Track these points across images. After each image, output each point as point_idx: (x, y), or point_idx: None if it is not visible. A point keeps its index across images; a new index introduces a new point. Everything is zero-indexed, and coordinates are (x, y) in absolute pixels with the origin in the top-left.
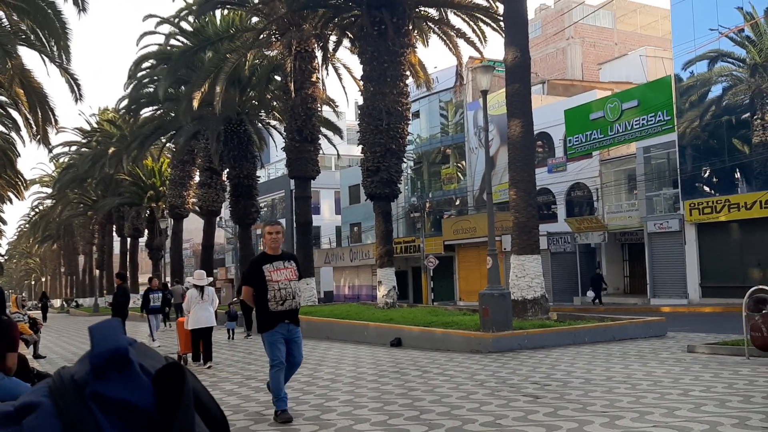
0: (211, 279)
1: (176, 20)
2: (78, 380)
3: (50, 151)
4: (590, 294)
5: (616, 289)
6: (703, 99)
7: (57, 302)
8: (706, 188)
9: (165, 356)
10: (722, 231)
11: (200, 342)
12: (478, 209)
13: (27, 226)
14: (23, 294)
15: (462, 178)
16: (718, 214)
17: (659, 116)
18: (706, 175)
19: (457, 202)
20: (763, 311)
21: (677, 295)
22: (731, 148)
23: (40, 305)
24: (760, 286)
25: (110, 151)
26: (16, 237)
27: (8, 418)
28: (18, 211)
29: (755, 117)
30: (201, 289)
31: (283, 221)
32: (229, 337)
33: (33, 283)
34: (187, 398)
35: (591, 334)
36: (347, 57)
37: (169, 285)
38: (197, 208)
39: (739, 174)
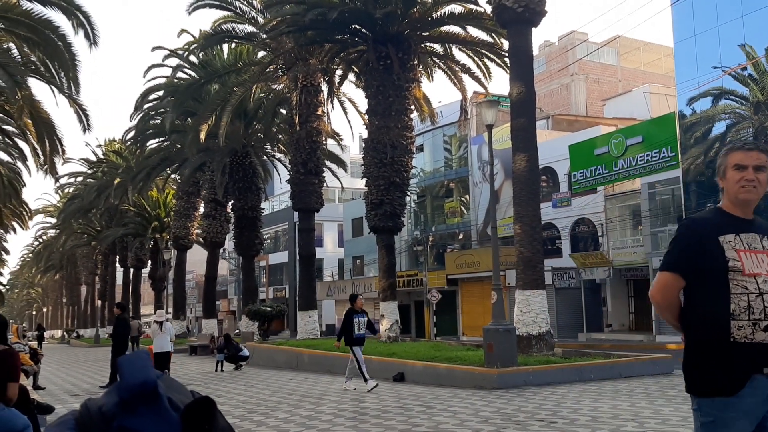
0: (169, 316)
1: (184, 53)
2: (105, 413)
3: (57, 181)
4: None
5: (621, 325)
6: (707, 136)
7: (58, 333)
8: None
9: (192, 391)
10: None
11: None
12: (482, 243)
13: (30, 255)
14: (24, 324)
15: (465, 212)
16: None
17: (663, 152)
18: None
19: (461, 236)
20: None
21: None
22: None
23: (36, 336)
24: None
25: (116, 181)
26: (18, 267)
27: None
28: (21, 240)
29: None
30: (160, 323)
31: (285, 253)
32: (216, 369)
33: (34, 313)
34: None
35: (597, 370)
36: (352, 91)
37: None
38: (201, 240)
39: None
